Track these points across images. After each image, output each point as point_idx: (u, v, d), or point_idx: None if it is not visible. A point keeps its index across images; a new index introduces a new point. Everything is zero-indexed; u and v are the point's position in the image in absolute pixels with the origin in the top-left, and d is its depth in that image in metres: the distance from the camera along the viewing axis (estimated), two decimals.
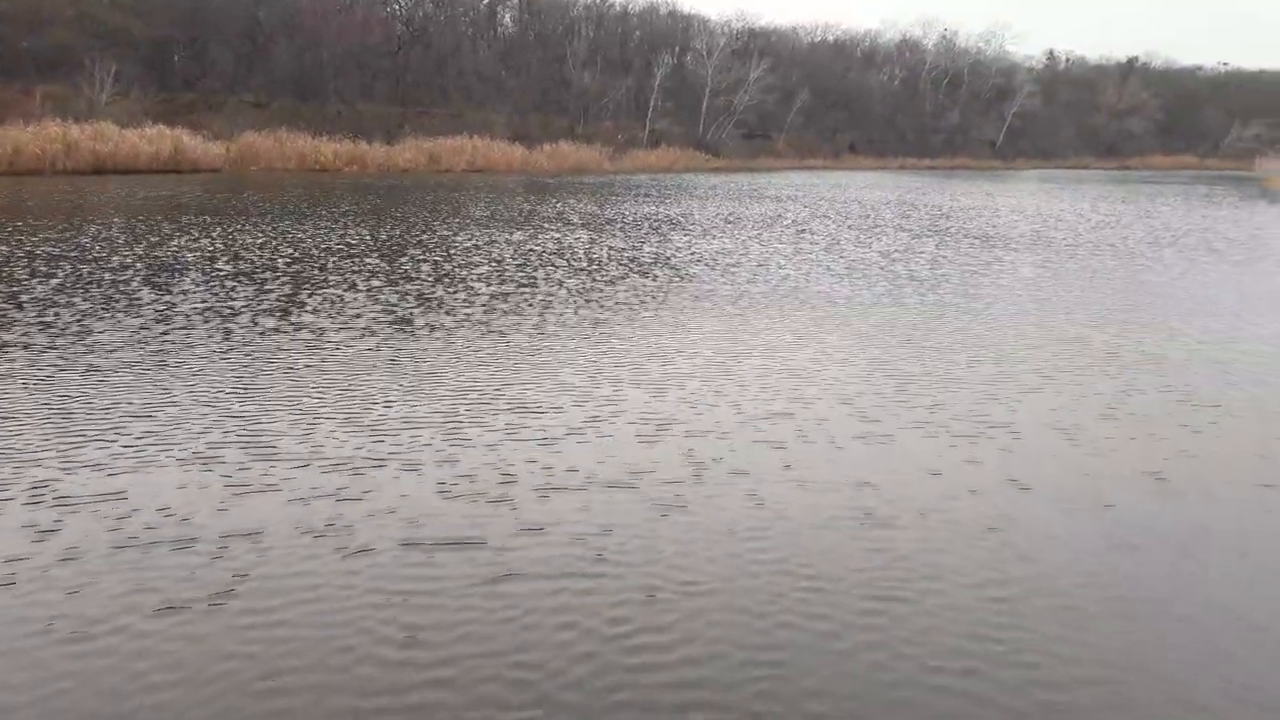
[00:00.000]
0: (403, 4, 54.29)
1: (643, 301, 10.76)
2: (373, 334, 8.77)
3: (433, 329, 9.05)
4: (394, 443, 5.76)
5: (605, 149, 49.70)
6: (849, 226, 20.62)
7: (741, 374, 7.58)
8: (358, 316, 9.52)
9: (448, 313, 9.86)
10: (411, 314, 9.74)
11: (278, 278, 11.76)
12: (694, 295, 11.24)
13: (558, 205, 24.43)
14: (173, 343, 8.19)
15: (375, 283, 11.59)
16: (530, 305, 10.40)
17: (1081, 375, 7.81)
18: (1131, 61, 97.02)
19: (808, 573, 4.20)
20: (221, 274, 11.87)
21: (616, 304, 10.60)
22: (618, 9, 62.97)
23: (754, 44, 65.99)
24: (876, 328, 9.60)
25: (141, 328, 8.74)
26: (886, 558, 4.37)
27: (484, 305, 10.33)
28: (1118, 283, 13.11)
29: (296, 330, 8.83)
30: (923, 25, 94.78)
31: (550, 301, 10.65)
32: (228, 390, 6.78)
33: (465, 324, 9.29)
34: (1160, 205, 30.00)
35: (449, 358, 7.93)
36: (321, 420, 6.15)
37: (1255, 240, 19.52)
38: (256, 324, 9.05)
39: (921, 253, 16.08)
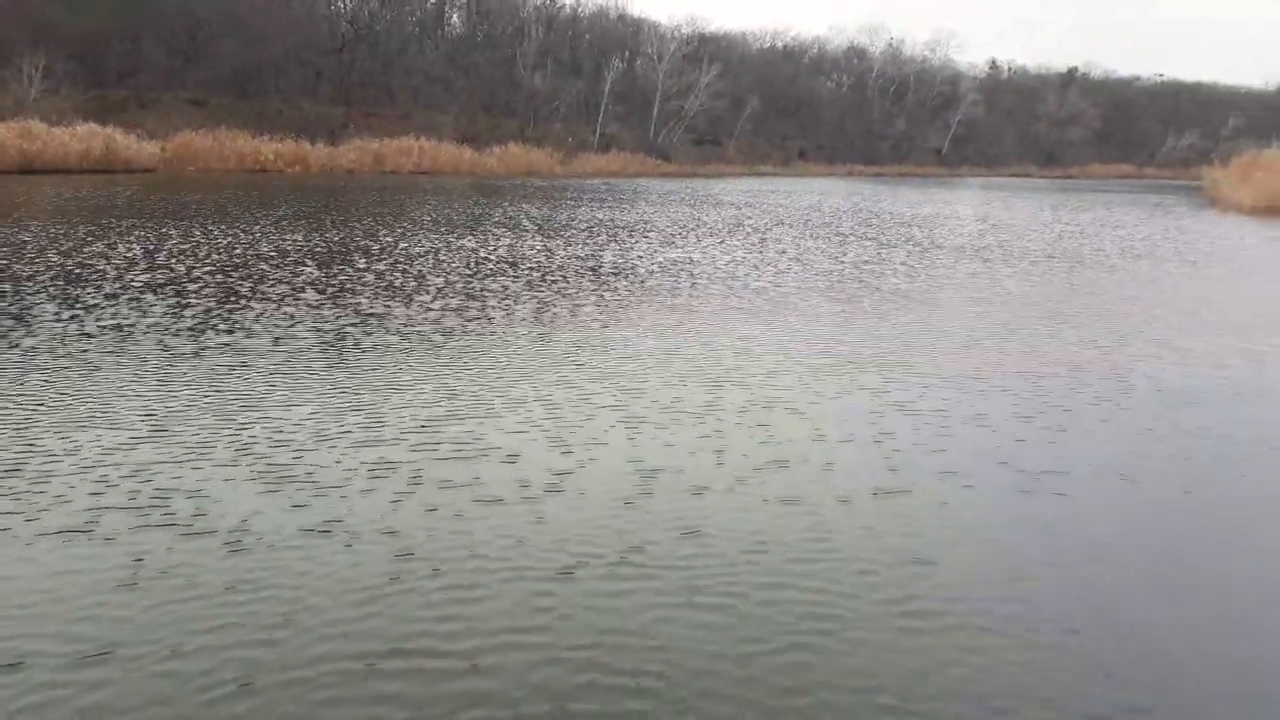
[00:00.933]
0: (348, 2, 53.16)
1: (606, 312, 10.33)
2: (307, 348, 8.21)
3: (372, 346, 8.52)
4: (330, 459, 5.27)
5: (556, 152, 49.11)
6: (818, 236, 20.40)
7: (716, 395, 7.19)
8: (290, 330, 8.95)
9: (390, 328, 9.32)
10: (348, 329, 9.19)
11: (201, 289, 11.08)
12: (660, 305, 10.84)
13: (510, 209, 23.88)
14: (71, 361, 7.55)
15: (310, 293, 10.99)
16: (483, 317, 9.90)
17: (1133, 411, 7.47)
18: (1071, 71, 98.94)
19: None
20: (137, 285, 11.06)
21: (576, 318, 10.15)
22: (568, 11, 62.48)
23: (704, 49, 65.87)
24: (867, 349, 9.28)
25: (34, 349, 7.90)
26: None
27: (431, 317, 9.80)
28: (1107, 297, 12.99)
29: (218, 352, 8.18)
30: (870, 33, 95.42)
31: (506, 314, 10.16)
32: (126, 421, 6.19)
33: (409, 338, 8.77)
34: (1119, 214, 30.25)
35: (387, 375, 7.41)
36: (238, 446, 5.62)
37: (1224, 251, 19.70)
38: (169, 345, 8.26)
39: (899, 263, 15.87)
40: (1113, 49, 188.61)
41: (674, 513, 4.96)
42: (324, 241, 15.81)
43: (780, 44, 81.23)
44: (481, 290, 11.63)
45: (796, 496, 5.23)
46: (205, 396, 6.71)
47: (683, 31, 66.96)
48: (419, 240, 16.51)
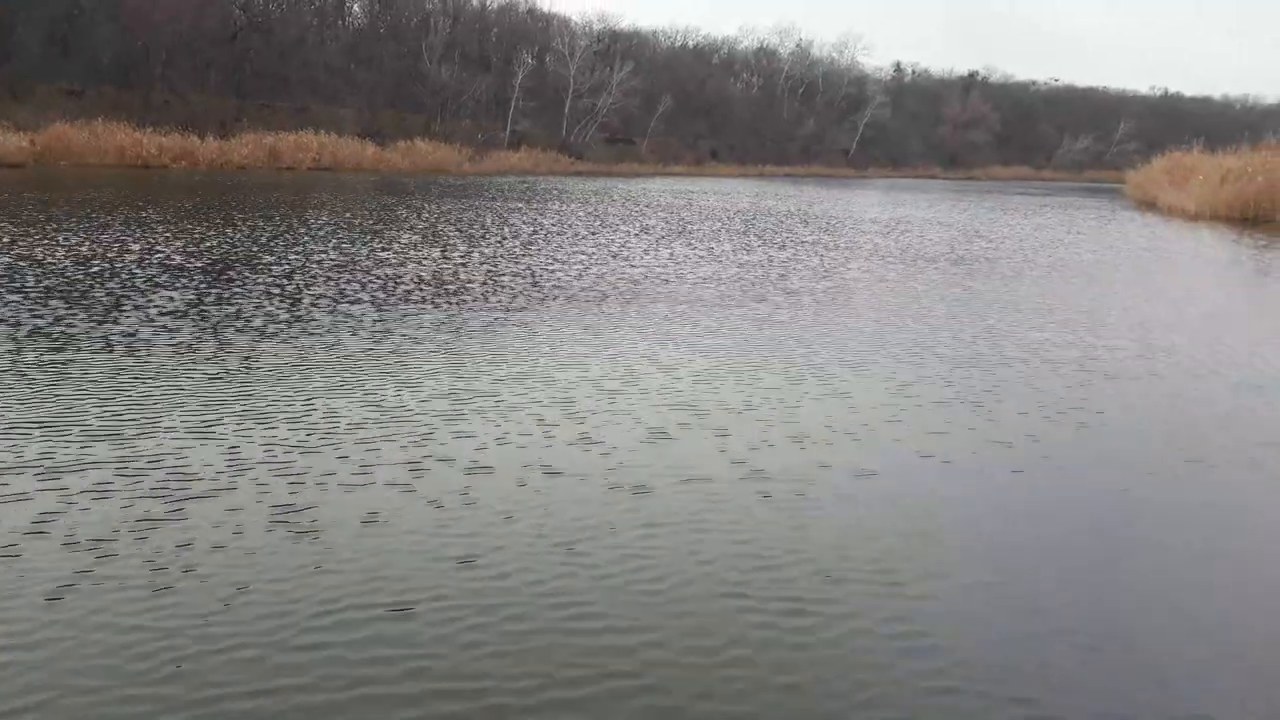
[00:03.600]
0: None
1: (526, 318, 9.21)
2: (173, 369, 6.89)
3: (250, 366, 7.23)
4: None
5: (465, 149, 47.50)
6: (760, 238, 19.58)
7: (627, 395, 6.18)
8: (156, 342, 7.59)
9: (272, 346, 8.02)
10: (220, 351, 7.86)
11: (48, 298, 9.58)
12: (579, 311, 9.76)
13: (419, 210, 22.44)
14: None
15: (181, 306, 9.58)
16: (390, 335, 8.67)
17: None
18: (972, 75, 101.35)
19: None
20: None
21: (487, 326, 9.00)
22: (475, 4, 60.67)
23: (616, 46, 64.94)
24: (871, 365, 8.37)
25: None
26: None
27: (323, 331, 8.54)
28: (1118, 307, 12.40)
29: (82, 370, 6.84)
30: (779, 34, 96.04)
31: (414, 331, 8.95)
32: None
33: (298, 349, 7.51)
34: (1049, 217, 29.73)
35: (270, 395, 6.17)
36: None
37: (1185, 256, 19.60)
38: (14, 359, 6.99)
39: (886, 277, 15.10)
40: (1008, 54, 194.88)
41: (588, 515, 4.87)
42: (201, 248, 14.25)
43: (691, 43, 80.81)
44: (383, 300, 10.39)
45: (716, 494, 5.22)
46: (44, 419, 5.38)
47: (594, 28, 65.90)
48: (314, 245, 15.07)
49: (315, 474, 5.22)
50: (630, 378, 7.58)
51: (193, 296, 10.17)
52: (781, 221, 23.81)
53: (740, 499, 5.12)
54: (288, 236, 15.81)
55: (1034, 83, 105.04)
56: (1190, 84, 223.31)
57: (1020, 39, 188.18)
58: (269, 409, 6.30)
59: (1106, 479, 5.79)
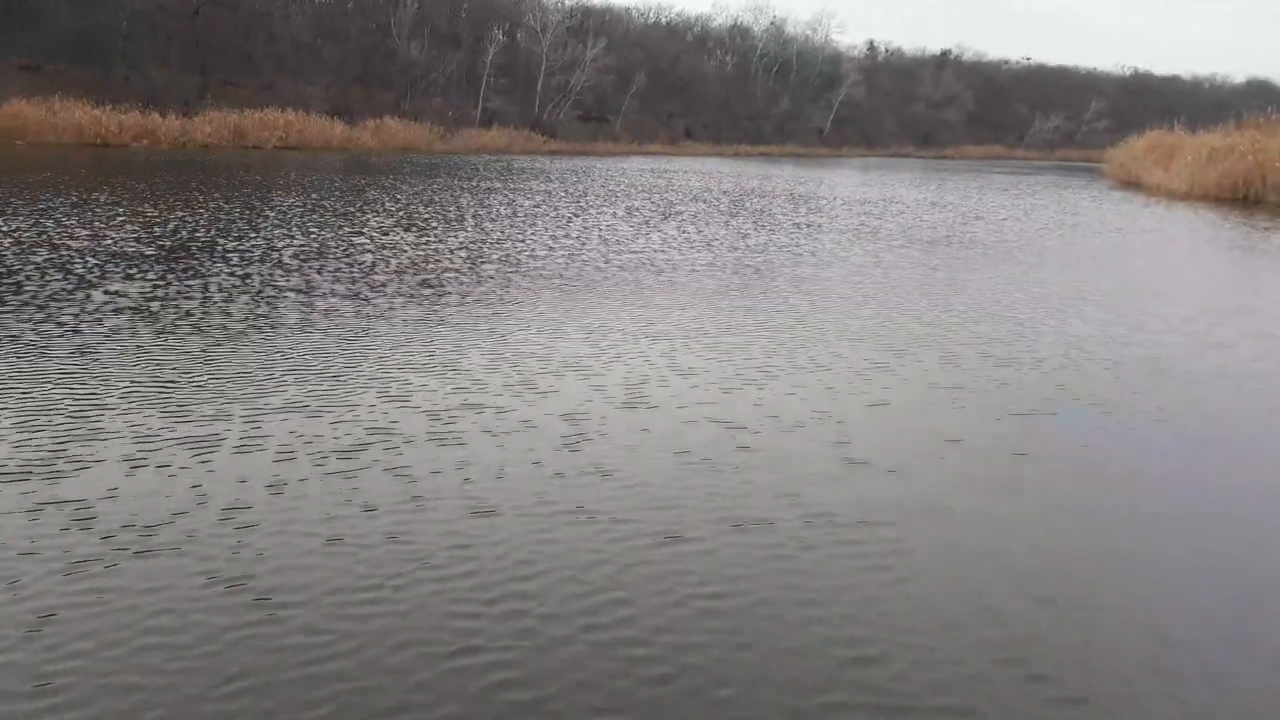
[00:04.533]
0: None
1: (519, 301, 8.62)
2: (119, 373, 6.25)
3: (211, 351, 6.61)
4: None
5: (436, 127, 46.46)
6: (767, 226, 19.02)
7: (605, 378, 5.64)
8: (97, 340, 6.94)
9: (237, 328, 7.39)
10: (176, 334, 7.22)
11: None
12: (560, 294, 9.18)
13: (391, 191, 21.66)
14: None
15: (131, 299, 8.90)
16: (362, 311, 8.05)
17: None
18: (945, 54, 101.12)
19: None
20: None
21: (467, 307, 8.40)
22: None
23: (589, 23, 63.85)
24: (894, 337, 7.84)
25: None
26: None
27: (295, 319, 7.91)
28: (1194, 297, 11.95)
29: (10, 369, 6.18)
30: (753, 11, 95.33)
31: (386, 306, 8.33)
32: None
33: (270, 327, 6.89)
34: (1041, 197, 28.78)
35: (232, 385, 5.56)
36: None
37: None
38: None
39: (927, 264, 14.57)
40: (980, 32, 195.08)
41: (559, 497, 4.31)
42: (156, 233, 13.49)
43: (664, 20, 79.80)
44: (359, 284, 9.75)
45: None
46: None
47: (566, 4, 64.75)
48: (280, 229, 14.35)
49: (264, 479, 4.64)
50: (641, 386, 7.01)
51: (145, 288, 9.47)
52: (771, 202, 23.23)
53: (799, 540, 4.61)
54: (252, 219, 15.06)
55: (1006, 61, 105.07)
56: (1159, 63, 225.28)
57: (992, 16, 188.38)
58: (222, 415, 5.69)
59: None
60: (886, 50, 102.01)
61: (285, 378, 6.48)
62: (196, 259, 11.16)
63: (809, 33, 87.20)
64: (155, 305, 8.59)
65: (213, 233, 13.29)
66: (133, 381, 6.25)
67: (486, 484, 4.80)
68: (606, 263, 12.30)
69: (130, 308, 8.43)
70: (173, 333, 7.58)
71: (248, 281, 9.92)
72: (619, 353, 7.58)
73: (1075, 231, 19.29)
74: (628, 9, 75.91)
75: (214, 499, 4.46)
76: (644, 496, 4.74)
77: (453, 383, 6.56)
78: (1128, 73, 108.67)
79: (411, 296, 9.51)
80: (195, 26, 44.81)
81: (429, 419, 5.76)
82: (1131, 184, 34.13)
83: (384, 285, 10.09)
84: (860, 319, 9.42)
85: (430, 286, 10.14)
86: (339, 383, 6.42)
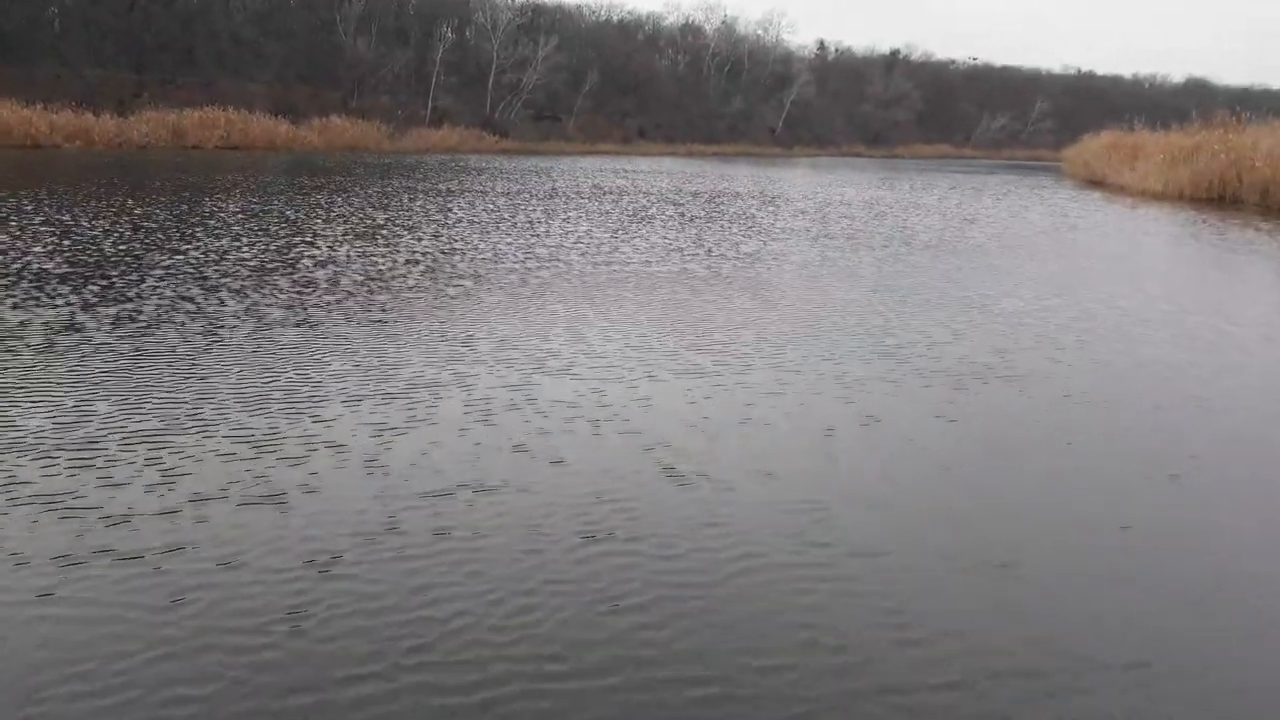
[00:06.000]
0: None
1: (461, 309, 7.82)
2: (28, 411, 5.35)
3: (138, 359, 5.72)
4: None
5: (384, 126, 45.25)
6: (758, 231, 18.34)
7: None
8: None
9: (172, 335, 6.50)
10: (102, 344, 6.32)
11: None
12: (512, 297, 8.40)
13: (343, 192, 20.63)
14: None
15: (46, 322, 7.95)
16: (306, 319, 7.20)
17: None
18: (894, 53, 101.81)
19: None
20: None
21: (421, 313, 7.59)
22: None
23: (540, 20, 62.90)
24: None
25: None
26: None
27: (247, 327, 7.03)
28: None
29: None
30: (705, 10, 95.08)
31: (338, 312, 7.48)
32: None
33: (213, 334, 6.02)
34: (1020, 200, 27.50)
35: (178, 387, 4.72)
36: None
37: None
38: None
39: (924, 269, 13.93)
40: (926, 31, 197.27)
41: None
42: (78, 244, 12.43)
43: (616, 18, 79.05)
44: (306, 300, 8.88)
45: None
46: None
47: (516, 1, 63.69)
48: (220, 237, 13.37)
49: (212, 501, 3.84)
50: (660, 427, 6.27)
51: (64, 309, 8.52)
52: (747, 205, 22.36)
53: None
54: (189, 226, 14.03)
55: (953, 61, 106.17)
56: (1101, 63, 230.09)
57: (936, 15, 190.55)
58: (152, 456, 4.85)
59: None
60: (836, 50, 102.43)
61: (210, 402, 5.64)
62: (119, 276, 10.17)
63: (760, 32, 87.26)
64: (62, 336, 7.66)
65: (138, 245, 12.22)
66: (25, 430, 5.36)
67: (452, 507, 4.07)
68: (602, 276, 11.53)
69: (33, 335, 7.48)
70: (81, 365, 6.67)
71: (180, 300, 8.99)
72: (646, 364, 6.85)
73: (1073, 234, 18.92)
74: (579, 7, 75.09)
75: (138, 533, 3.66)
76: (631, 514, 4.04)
77: (386, 400, 5.77)
78: (1071, 73, 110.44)
79: (369, 312, 8.68)
80: (131, 22, 43.06)
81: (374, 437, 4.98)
82: (1097, 183, 33.90)
83: (338, 302, 9.23)
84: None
85: (383, 302, 9.31)
86: (271, 413, 5.60)
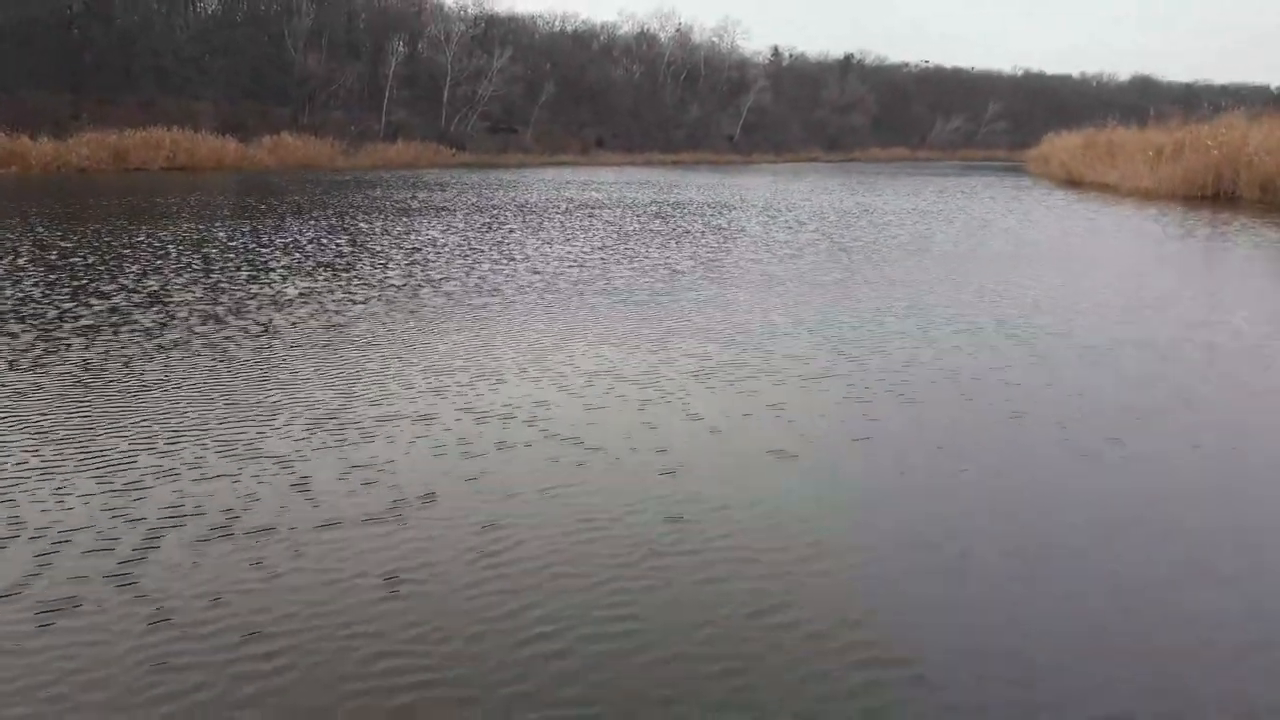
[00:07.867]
0: None
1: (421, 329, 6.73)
2: None
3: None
4: None
5: (337, 142, 43.84)
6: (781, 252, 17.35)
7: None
8: None
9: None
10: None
11: None
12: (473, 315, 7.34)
13: (284, 211, 19.36)
14: None
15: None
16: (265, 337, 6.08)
17: None
18: (849, 58, 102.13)
19: None
20: None
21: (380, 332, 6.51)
22: None
23: (494, 32, 61.81)
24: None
25: None
26: None
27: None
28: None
29: None
30: (659, 19, 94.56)
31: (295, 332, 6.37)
32: None
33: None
34: (1004, 203, 26.05)
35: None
36: None
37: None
38: None
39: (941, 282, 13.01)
40: (877, 35, 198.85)
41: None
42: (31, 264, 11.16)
43: (570, 28, 78.15)
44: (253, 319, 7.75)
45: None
46: None
47: (469, 12, 62.55)
48: (166, 267, 12.14)
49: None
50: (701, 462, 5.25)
51: None
52: (737, 216, 20.94)
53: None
54: (131, 256, 12.77)
55: (906, 65, 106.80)
56: (1048, 63, 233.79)
57: (887, 19, 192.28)
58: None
59: None
60: (790, 55, 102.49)
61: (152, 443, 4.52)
62: (45, 313, 8.94)
63: (715, 39, 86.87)
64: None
65: (67, 276, 10.98)
66: None
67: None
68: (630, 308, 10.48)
69: None
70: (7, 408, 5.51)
71: (120, 338, 7.81)
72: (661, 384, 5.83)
73: (1084, 238, 18.19)
74: (533, 17, 74.15)
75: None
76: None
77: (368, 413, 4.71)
78: (1020, 73, 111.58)
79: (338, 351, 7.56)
80: (67, 42, 41.25)
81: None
82: (1075, 183, 32.98)
83: (294, 344, 8.10)
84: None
85: (343, 330, 8.19)
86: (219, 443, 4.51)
